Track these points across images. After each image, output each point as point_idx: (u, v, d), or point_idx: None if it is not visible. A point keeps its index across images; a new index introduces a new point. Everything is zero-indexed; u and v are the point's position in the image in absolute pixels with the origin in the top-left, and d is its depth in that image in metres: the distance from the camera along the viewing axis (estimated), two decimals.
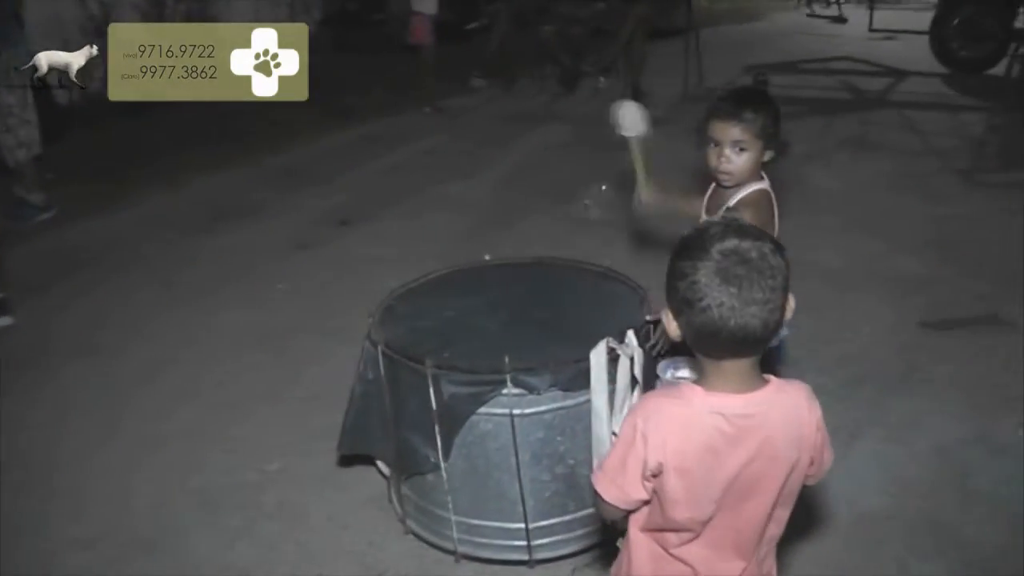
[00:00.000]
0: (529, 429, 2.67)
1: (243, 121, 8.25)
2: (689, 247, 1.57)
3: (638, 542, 1.78)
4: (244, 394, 4.01)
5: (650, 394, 1.80)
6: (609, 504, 1.72)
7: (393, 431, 2.86)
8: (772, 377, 1.67)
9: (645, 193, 2.97)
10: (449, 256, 5.37)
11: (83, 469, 3.49)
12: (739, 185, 2.67)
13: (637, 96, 9.47)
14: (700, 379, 1.67)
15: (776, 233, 2.57)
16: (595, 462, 2.70)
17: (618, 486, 1.68)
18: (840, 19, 14.24)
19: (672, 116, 8.87)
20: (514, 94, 10.14)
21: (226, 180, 7.22)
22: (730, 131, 2.59)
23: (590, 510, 2.81)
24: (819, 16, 14.69)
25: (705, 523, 1.66)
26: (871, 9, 12.63)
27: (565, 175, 6.97)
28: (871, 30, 12.22)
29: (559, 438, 2.70)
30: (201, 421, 3.82)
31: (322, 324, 4.63)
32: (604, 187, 6.50)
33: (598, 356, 2.59)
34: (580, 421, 2.68)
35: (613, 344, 2.62)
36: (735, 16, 14.78)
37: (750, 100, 2.61)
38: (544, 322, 2.96)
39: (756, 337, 1.53)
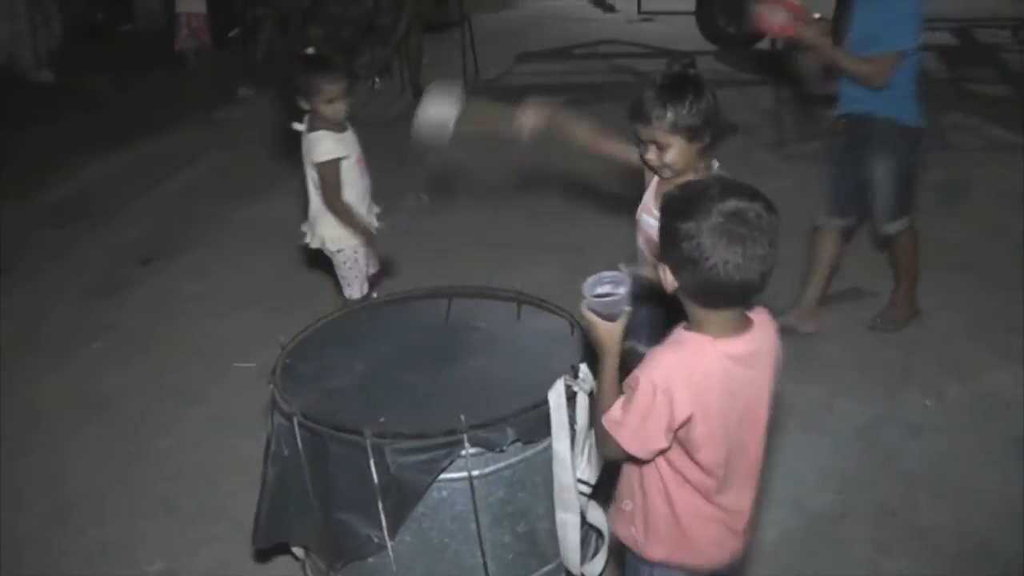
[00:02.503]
0: (489, 490, 2.36)
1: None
2: (689, 208, 1.65)
3: (681, 498, 1.85)
4: (91, 484, 3.42)
5: (659, 351, 1.79)
6: (626, 453, 1.79)
7: (321, 514, 2.45)
8: (748, 313, 1.78)
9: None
10: (275, 287, 4.95)
11: None
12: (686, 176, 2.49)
13: (418, 95, 9.15)
14: (694, 326, 1.76)
15: None
16: (558, 513, 2.45)
17: (641, 439, 1.75)
18: (609, 7, 14.38)
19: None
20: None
21: None
22: (643, 132, 2.50)
23: (552, 565, 2.55)
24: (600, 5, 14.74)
25: (725, 463, 1.78)
26: None
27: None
28: (640, 13, 12.56)
29: (520, 494, 2.42)
30: (50, 523, 3.21)
31: (155, 384, 4.06)
32: (424, 197, 6.19)
33: (557, 397, 2.34)
34: (539, 472, 2.42)
35: (570, 381, 2.37)
36: (489, 4, 14.68)
37: (660, 98, 2.44)
38: (474, 366, 2.64)
39: (755, 288, 1.67)
